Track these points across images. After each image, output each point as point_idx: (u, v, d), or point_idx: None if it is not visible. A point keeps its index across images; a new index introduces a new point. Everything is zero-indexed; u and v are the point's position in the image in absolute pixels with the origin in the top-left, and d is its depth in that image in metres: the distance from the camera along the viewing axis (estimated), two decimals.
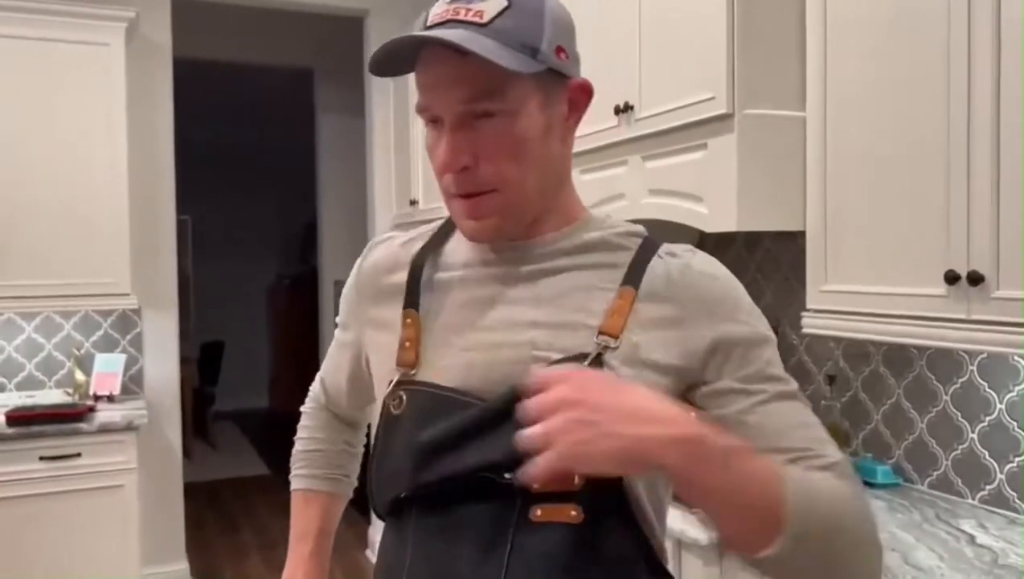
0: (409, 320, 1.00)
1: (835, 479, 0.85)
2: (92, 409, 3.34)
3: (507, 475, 0.86)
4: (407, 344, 0.99)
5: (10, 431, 3.04)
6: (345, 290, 1.14)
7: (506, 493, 0.89)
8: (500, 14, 0.87)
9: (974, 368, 1.95)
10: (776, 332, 2.67)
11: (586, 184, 2.54)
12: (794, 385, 0.93)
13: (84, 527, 3.13)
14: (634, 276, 0.94)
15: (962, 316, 1.59)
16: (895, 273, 1.74)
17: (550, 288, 0.96)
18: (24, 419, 3.10)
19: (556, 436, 0.73)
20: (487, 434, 0.89)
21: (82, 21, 3.38)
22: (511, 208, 0.93)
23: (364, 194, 4.68)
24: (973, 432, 1.96)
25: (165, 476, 3.87)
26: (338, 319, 1.17)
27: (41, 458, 3.08)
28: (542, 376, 0.78)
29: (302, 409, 1.29)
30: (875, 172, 1.78)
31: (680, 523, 1.86)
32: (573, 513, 0.88)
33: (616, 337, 0.91)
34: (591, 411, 0.74)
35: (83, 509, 3.13)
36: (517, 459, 0.77)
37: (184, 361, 4.14)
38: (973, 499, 1.95)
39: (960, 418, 1.98)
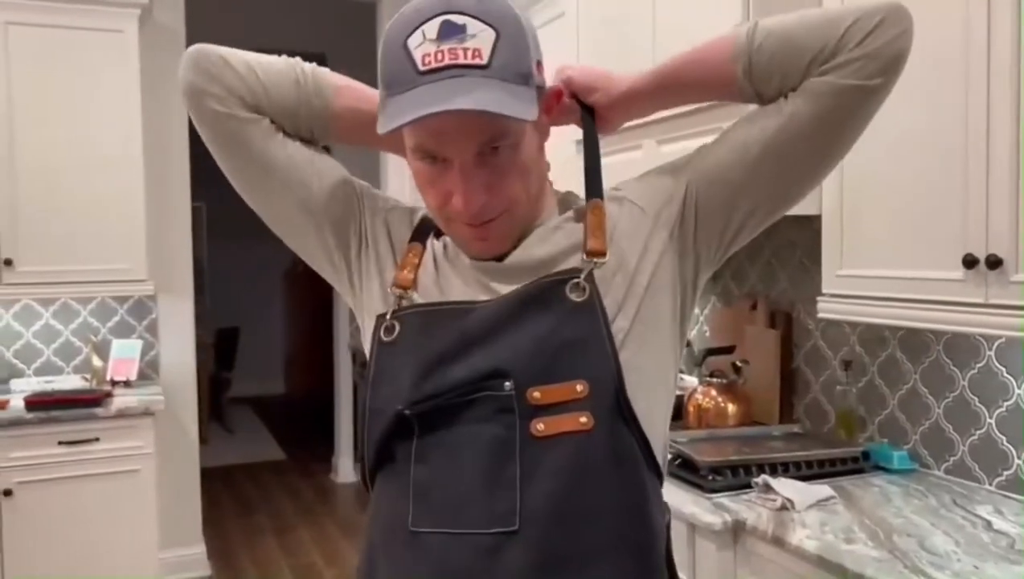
0: (412, 252, 1.03)
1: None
2: (109, 394, 3.37)
3: (507, 385, 0.89)
4: (406, 270, 1.01)
5: (29, 416, 3.08)
6: (385, 198, 1.12)
7: (507, 407, 0.90)
8: (495, 49, 0.88)
9: (992, 353, 1.93)
10: (791, 317, 2.64)
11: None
12: None
13: (102, 511, 3.17)
14: (595, 189, 1.03)
15: (980, 300, 1.58)
16: (912, 257, 1.73)
17: (527, 279, 0.98)
18: (43, 404, 3.13)
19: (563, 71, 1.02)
20: (492, 337, 0.92)
21: (96, 8, 3.39)
22: (517, 224, 0.98)
23: (377, 180, 4.68)
24: (991, 417, 1.94)
25: (182, 460, 3.90)
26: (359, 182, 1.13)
27: (60, 443, 3.11)
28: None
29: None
30: (892, 155, 1.76)
31: (692, 507, 1.86)
32: (583, 419, 0.90)
33: (603, 253, 0.96)
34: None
35: (101, 493, 3.17)
36: (524, 360, 0.88)
37: (200, 347, 4.17)
38: (990, 484, 1.94)
39: (977, 403, 1.97)
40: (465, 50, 0.87)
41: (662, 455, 0.99)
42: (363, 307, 1.06)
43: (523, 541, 0.88)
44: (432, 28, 0.88)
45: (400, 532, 0.93)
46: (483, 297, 0.98)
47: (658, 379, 0.98)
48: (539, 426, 0.89)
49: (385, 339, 0.97)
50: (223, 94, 1.01)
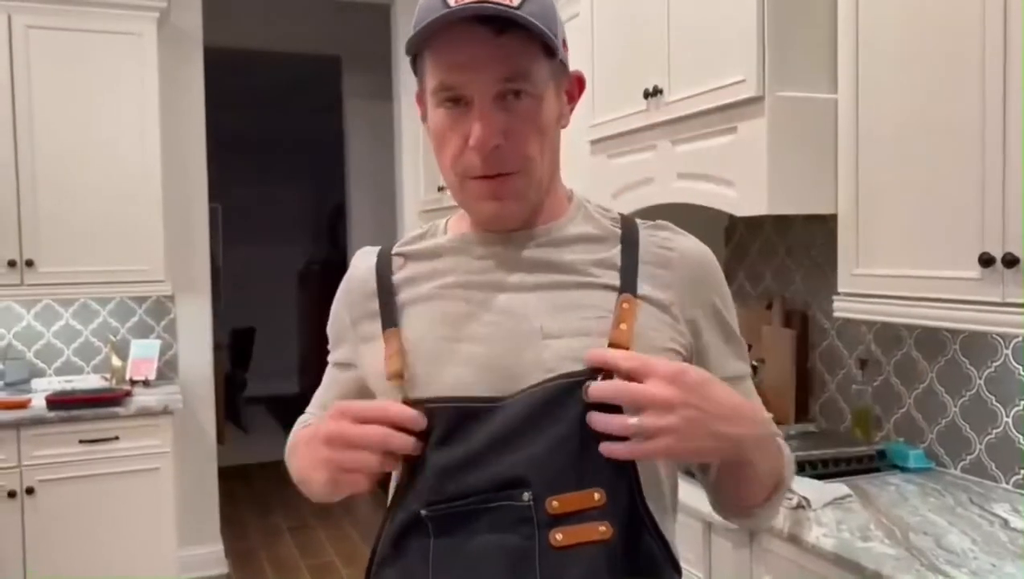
0: (389, 336, 0.97)
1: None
2: (129, 394, 3.40)
3: (525, 497, 0.87)
4: (391, 358, 0.96)
5: (51, 415, 3.11)
6: (334, 309, 1.09)
7: (525, 517, 0.87)
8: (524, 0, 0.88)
9: (1008, 352, 1.93)
10: (807, 317, 2.64)
11: (615, 169, 2.54)
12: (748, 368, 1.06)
13: (122, 509, 3.20)
14: (629, 280, 0.96)
15: (996, 299, 1.58)
16: (928, 256, 1.73)
17: (548, 281, 0.96)
18: (64, 403, 3.17)
19: (663, 434, 0.81)
20: (511, 442, 0.88)
21: (115, 11, 3.42)
22: (529, 191, 0.95)
23: (392, 180, 4.71)
24: (1008, 416, 1.94)
25: (200, 459, 3.94)
26: (330, 345, 1.10)
27: (81, 441, 3.14)
28: (632, 363, 0.84)
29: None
30: (908, 154, 1.77)
31: (709, 506, 1.86)
32: (602, 529, 0.88)
33: (627, 348, 0.91)
34: (699, 414, 0.83)
35: (121, 491, 3.20)
36: (542, 469, 0.86)
37: (216, 347, 4.20)
38: (1007, 483, 1.94)
39: (994, 402, 1.97)
40: None
41: (675, 548, 0.98)
42: (375, 384, 1.02)
43: None
44: None
45: None
46: (499, 296, 0.96)
47: (667, 471, 0.98)
48: (558, 536, 0.87)
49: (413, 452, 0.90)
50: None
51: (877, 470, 2.06)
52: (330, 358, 1.11)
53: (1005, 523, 1.70)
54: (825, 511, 1.77)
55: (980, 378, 2.00)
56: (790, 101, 1.95)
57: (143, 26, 3.48)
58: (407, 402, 0.91)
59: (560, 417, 0.88)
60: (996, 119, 1.56)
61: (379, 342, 0.98)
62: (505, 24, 0.87)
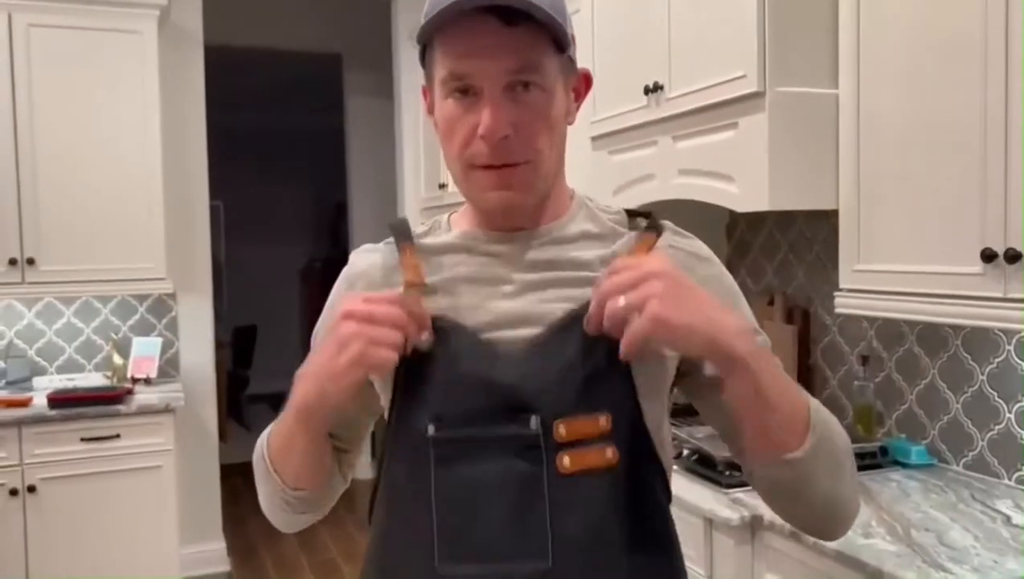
0: (404, 247, 1.00)
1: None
2: (130, 392, 3.41)
3: (533, 423, 0.88)
4: (409, 268, 0.98)
5: (52, 413, 3.12)
6: (332, 304, 1.07)
7: (532, 444, 0.89)
8: None
9: (1011, 347, 1.93)
10: (808, 313, 2.63)
11: (616, 165, 2.53)
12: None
13: (124, 506, 3.21)
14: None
15: (999, 294, 1.57)
16: (930, 251, 1.72)
17: (553, 277, 0.96)
18: (65, 401, 3.17)
19: (649, 300, 0.81)
20: (519, 369, 0.90)
21: (115, 10, 3.42)
22: (536, 183, 0.95)
23: (393, 177, 4.70)
24: (1010, 412, 1.93)
25: (202, 457, 3.94)
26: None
27: (82, 439, 3.15)
28: (624, 262, 0.87)
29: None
30: (909, 149, 1.76)
31: (710, 502, 1.86)
32: (609, 454, 0.90)
33: None
34: (677, 285, 0.83)
35: (123, 489, 3.20)
36: (549, 394, 0.88)
37: (218, 345, 4.21)
38: (1009, 479, 1.93)
39: (996, 398, 1.96)
40: None
41: (669, 479, 1.00)
42: None
43: (558, 577, 0.87)
44: None
45: (424, 574, 0.90)
46: (504, 287, 0.96)
47: (662, 410, 0.98)
48: (565, 462, 0.88)
49: (421, 348, 0.92)
50: (305, 519, 1.08)
51: (879, 466, 2.06)
52: None
53: (1007, 519, 1.70)
54: None
55: (982, 374, 1.99)
56: (791, 96, 1.94)
57: (144, 24, 3.47)
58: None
59: (565, 347, 0.91)
60: (998, 114, 1.55)
61: None
62: (517, 15, 0.86)
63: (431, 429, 0.90)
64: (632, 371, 0.92)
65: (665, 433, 0.99)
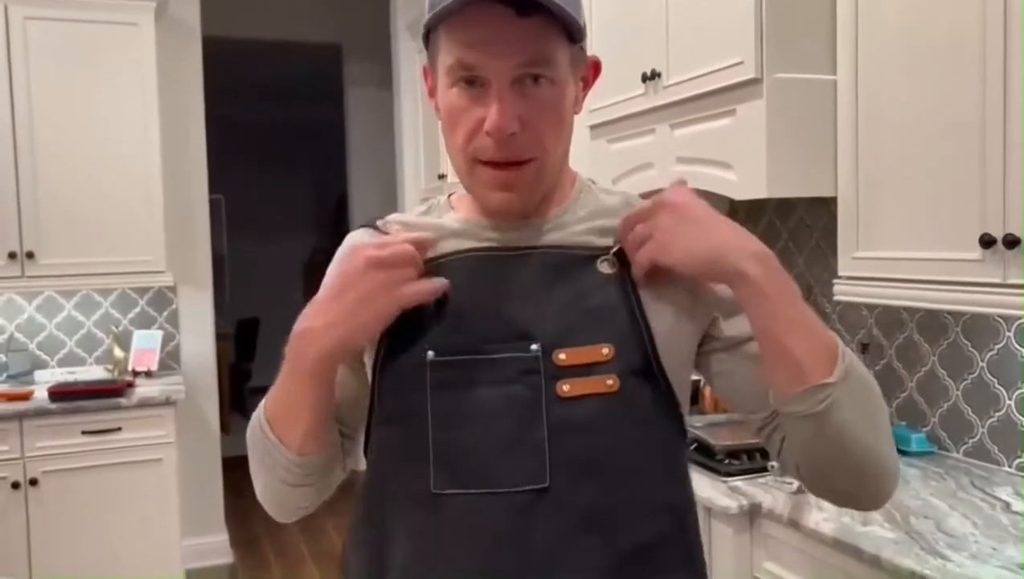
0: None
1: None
2: (131, 385, 3.41)
3: (533, 347, 0.89)
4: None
5: (53, 406, 3.12)
6: (332, 268, 1.05)
7: (532, 369, 0.89)
8: None
9: (1011, 334, 1.92)
10: (808, 300, 2.64)
11: (613, 154, 2.52)
12: None
13: (125, 499, 3.21)
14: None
15: (998, 280, 1.56)
16: (929, 238, 1.71)
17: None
18: (66, 394, 3.17)
19: (656, 229, 0.90)
20: (520, 299, 0.92)
21: (112, 1, 3.41)
22: (541, 179, 0.94)
23: (394, 168, 4.70)
24: (1010, 398, 1.93)
25: (203, 450, 3.94)
26: None
27: (83, 432, 3.15)
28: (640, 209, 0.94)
29: None
30: (908, 135, 1.75)
31: (709, 491, 1.86)
32: (609, 382, 0.89)
33: None
34: (685, 214, 0.89)
35: (124, 482, 3.21)
36: (551, 324, 0.90)
37: (220, 337, 4.21)
38: (1010, 466, 1.93)
39: (996, 385, 1.95)
40: None
41: (686, 422, 0.99)
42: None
43: (555, 499, 0.87)
44: None
45: (420, 497, 0.89)
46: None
47: (686, 352, 0.97)
48: (564, 387, 0.88)
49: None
50: (302, 498, 1.06)
51: None
52: None
53: (1007, 506, 1.69)
54: None
55: (982, 361, 1.98)
56: (789, 83, 1.93)
57: (141, 16, 3.46)
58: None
59: (572, 283, 0.93)
60: (997, 99, 1.54)
61: None
62: (530, 6, 0.84)
63: (430, 354, 0.90)
64: (647, 310, 0.92)
65: (684, 377, 0.97)
